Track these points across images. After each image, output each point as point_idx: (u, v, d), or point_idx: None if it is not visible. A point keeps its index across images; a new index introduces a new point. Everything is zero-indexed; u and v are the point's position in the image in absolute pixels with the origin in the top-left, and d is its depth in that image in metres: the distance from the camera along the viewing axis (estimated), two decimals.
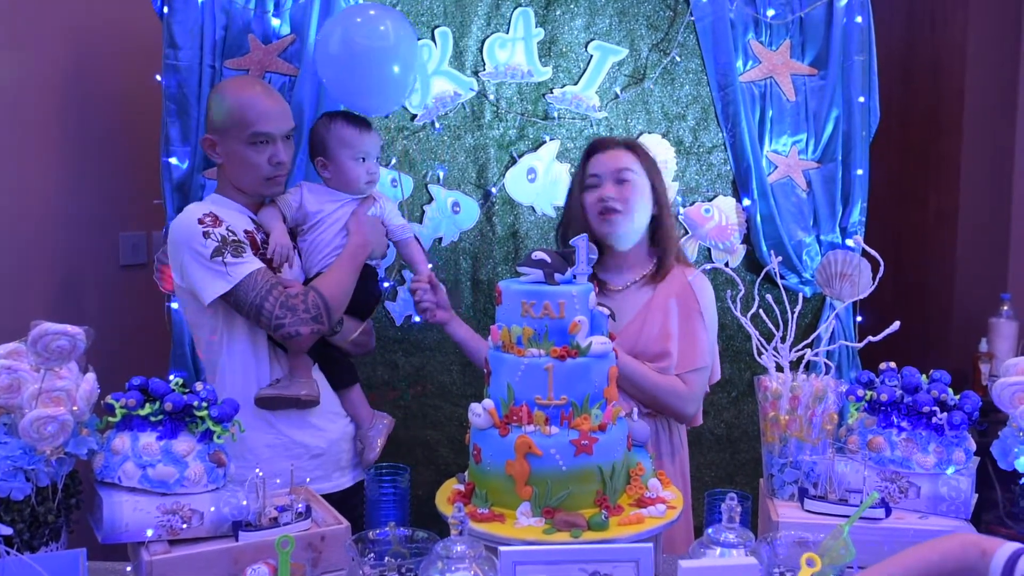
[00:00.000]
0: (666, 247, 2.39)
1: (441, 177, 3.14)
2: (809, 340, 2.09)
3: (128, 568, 1.85)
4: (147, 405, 1.83)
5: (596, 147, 2.43)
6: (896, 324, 1.92)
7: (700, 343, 2.33)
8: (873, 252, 2.10)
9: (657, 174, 2.41)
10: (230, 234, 2.22)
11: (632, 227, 2.36)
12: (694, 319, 2.34)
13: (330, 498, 2.16)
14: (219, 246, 2.19)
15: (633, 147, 2.42)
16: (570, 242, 1.92)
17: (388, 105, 2.77)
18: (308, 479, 2.21)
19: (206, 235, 2.19)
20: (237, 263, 2.19)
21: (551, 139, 3.15)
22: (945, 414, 1.91)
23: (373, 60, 2.56)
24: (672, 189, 3.16)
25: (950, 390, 1.96)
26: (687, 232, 3.16)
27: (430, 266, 2.52)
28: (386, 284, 3.01)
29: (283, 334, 2.23)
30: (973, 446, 1.94)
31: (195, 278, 2.22)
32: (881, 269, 2.04)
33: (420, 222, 3.13)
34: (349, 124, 2.42)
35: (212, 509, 1.81)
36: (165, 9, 2.93)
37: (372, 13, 2.59)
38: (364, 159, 2.41)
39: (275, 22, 3.03)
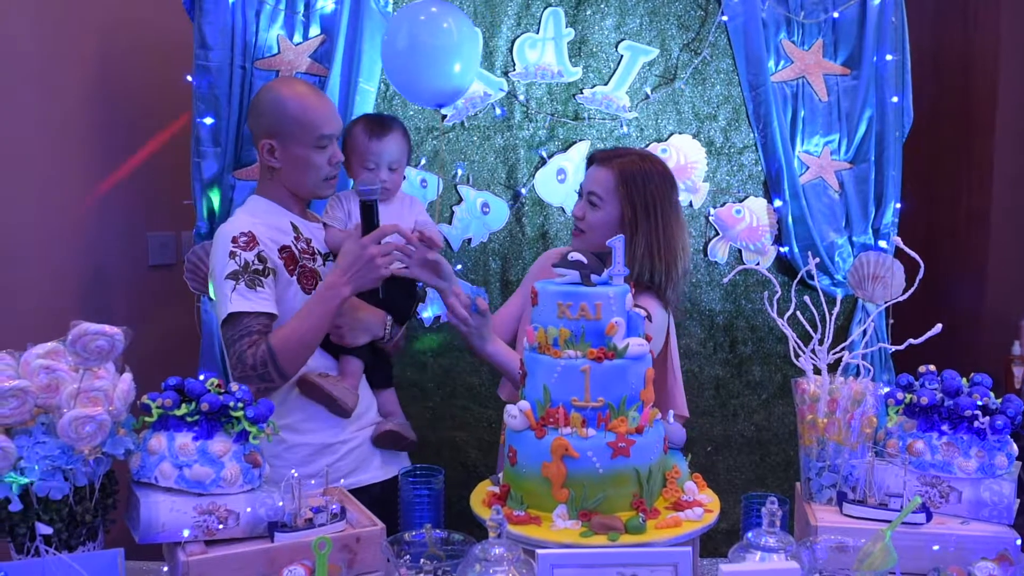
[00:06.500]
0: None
1: (470, 178, 3.14)
2: (848, 342, 2.07)
3: (164, 568, 1.85)
4: (183, 405, 1.83)
5: (590, 159, 2.40)
6: (938, 326, 1.89)
7: None
8: (912, 253, 2.08)
9: (636, 202, 2.27)
10: (257, 262, 2.19)
11: (592, 249, 2.29)
12: None
13: (370, 490, 2.27)
14: (237, 270, 2.16)
15: (622, 166, 2.30)
16: (607, 243, 1.90)
17: (447, 99, 2.81)
18: (341, 480, 2.21)
19: (232, 255, 2.18)
20: (243, 296, 2.15)
21: (581, 140, 3.14)
22: (987, 418, 1.89)
23: (437, 57, 2.65)
24: (703, 190, 3.14)
25: (992, 393, 1.94)
26: (718, 233, 3.14)
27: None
28: None
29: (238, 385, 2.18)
30: (1015, 450, 1.91)
31: (213, 288, 2.23)
32: (921, 270, 2.02)
33: (450, 223, 3.13)
34: (363, 131, 2.41)
35: (248, 510, 1.81)
36: (196, 10, 2.93)
37: (434, 11, 2.68)
38: (375, 167, 2.40)
39: (305, 23, 3.03)
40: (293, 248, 2.29)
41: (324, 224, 2.41)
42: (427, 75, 2.71)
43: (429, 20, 2.69)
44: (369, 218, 2.22)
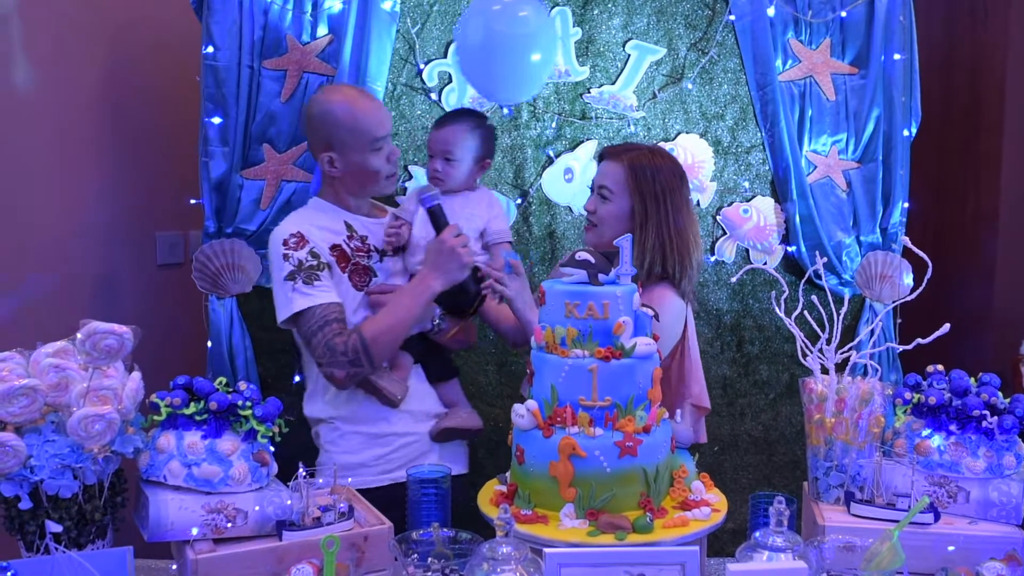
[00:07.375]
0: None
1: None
2: (855, 342, 2.07)
3: (173, 566, 1.86)
4: (192, 404, 1.84)
5: (601, 154, 2.45)
6: (946, 326, 1.89)
7: None
8: (920, 252, 2.08)
9: (646, 194, 2.30)
10: (310, 259, 2.28)
11: (604, 242, 2.29)
12: None
13: None
14: (293, 271, 2.26)
15: (632, 159, 2.34)
16: (614, 242, 1.91)
17: (524, 94, 2.75)
18: (349, 479, 2.21)
19: (285, 257, 2.27)
20: (303, 293, 2.25)
21: (588, 139, 3.14)
22: (995, 418, 1.88)
23: (514, 48, 2.56)
24: (710, 189, 3.14)
25: (1000, 393, 1.93)
26: (725, 233, 3.14)
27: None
28: None
29: (323, 372, 2.29)
30: None
31: (274, 293, 2.31)
32: (929, 270, 2.02)
33: None
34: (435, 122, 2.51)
35: (256, 508, 1.81)
36: (204, 9, 2.94)
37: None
38: (432, 156, 2.46)
39: (313, 23, 3.03)
40: (345, 246, 2.36)
41: (395, 217, 2.48)
42: (505, 68, 2.59)
43: (504, 9, 2.55)
44: (437, 221, 2.35)
